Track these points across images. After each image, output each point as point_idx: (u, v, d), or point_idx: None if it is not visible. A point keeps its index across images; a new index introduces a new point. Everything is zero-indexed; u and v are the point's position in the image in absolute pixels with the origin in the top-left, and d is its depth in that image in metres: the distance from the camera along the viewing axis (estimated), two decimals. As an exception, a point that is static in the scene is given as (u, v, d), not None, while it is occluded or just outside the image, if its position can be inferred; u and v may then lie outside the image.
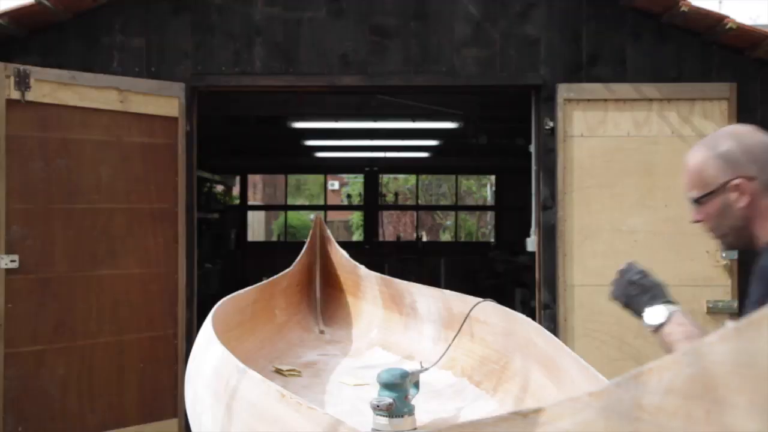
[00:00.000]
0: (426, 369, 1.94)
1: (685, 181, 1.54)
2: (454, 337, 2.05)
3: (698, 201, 1.52)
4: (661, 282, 1.54)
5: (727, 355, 0.38)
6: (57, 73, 3.68)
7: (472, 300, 2.20)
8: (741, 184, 1.45)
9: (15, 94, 3.50)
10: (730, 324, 0.40)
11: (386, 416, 1.68)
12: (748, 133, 1.50)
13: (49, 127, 3.64)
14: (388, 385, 1.71)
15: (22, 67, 3.54)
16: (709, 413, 0.39)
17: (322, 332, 3.05)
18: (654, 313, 1.46)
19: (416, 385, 1.81)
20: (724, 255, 4.00)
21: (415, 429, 1.70)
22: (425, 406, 1.96)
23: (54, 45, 4.06)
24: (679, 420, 0.42)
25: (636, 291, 1.50)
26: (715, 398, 0.39)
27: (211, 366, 1.63)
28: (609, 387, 0.49)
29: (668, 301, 1.48)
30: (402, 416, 1.67)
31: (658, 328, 1.45)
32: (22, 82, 3.51)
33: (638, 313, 1.49)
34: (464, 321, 2.06)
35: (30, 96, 3.54)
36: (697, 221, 1.57)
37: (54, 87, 3.64)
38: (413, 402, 1.73)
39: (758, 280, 1.46)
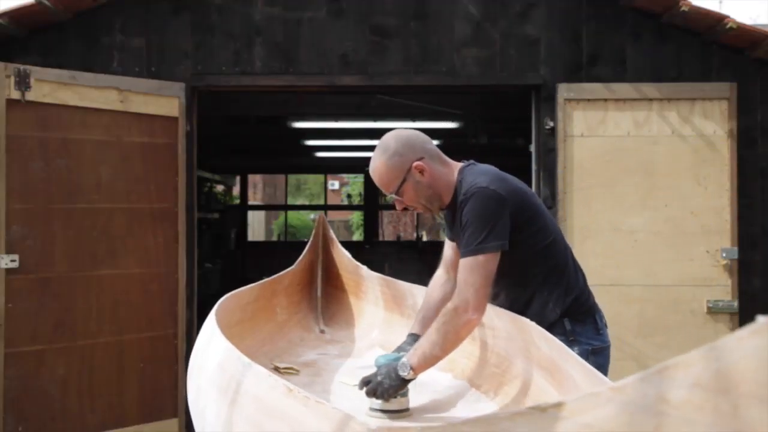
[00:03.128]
0: None
1: (380, 186, 2.02)
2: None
3: (398, 193, 1.99)
4: (380, 364, 1.91)
5: (756, 350, 0.38)
6: (57, 73, 3.68)
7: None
8: (417, 164, 1.97)
9: (15, 94, 3.49)
10: (761, 319, 0.40)
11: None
12: (399, 132, 2.04)
13: (49, 127, 3.63)
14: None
15: (22, 67, 3.54)
16: (737, 408, 0.39)
17: (322, 332, 3.04)
18: (405, 372, 1.82)
19: None
20: (724, 255, 4.01)
21: (407, 409, 1.89)
22: (425, 409, 1.96)
23: (54, 45, 4.06)
24: (706, 414, 0.41)
25: (386, 386, 1.83)
26: (742, 393, 0.39)
27: (215, 361, 1.62)
28: (632, 381, 0.49)
29: (396, 367, 1.85)
30: (395, 397, 1.86)
31: (414, 370, 1.83)
32: (22, 82, 3.51)
33: (401, 383, 1.84)
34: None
35: (30, 96, 3.54)
36: (405, 209, 2.08)
37: (54, 87, 3.63)
38: (410, 386, 1.91)
39: (465, 222, 1.90)
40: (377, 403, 1.86)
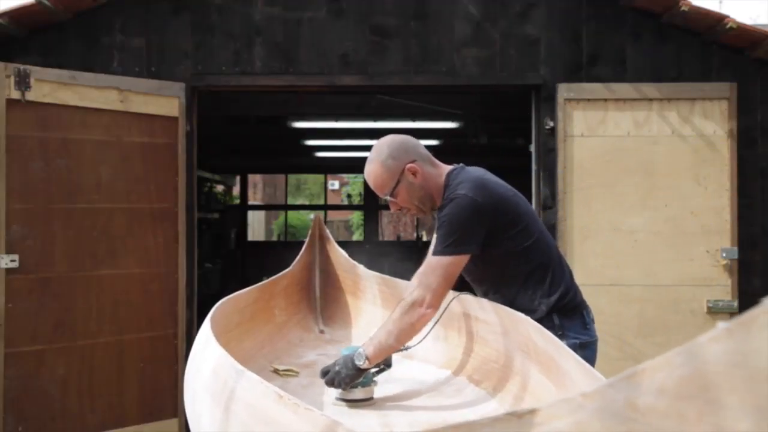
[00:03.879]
0: (405, 349, 2.11)
1: (375, 188, 2.11)
2: (432, 327, 2.12)
3: (392, 195, 2.08)
4: (343, 357, 1.99)
5: (719, 356, 0.38)
6: (57, 73, 3.68)
7: (470, 300, 2.21)
8: (410, 167, 2.07)
9: (15, 94, 3.50)
10: (721, 324, 0.40)
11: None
12: (392, 138, 2.13)
13: (49, 127, 3.64)
14: None
15: (22, 67, 3.54)
16: (702, 413, 0.39)
17: (321, 332, 3.05)
18: (361, 362, 1.93)
19: (387, 363, 2.08)
20: (724, 255, 4.01)
21: (370, 398, 1.98)
22: (424, 405, 1.96)
23: (54, 45, 4.06)
24: (672, 420, 0.42)
25: (343, 375, 1.94)
26: (707, 398, 0.40)
27: (209, 367, 1.63)
28: (602, 387, 0.50)
29: (352, 357, 1.95)
30: (356, 387, 1.97)
31: (369, 360, 1.93)
32: (22, 82, 3.52)
33: (357, 372, 1.94)
34: (442, 313, 2.11)
35: (30, 96, 3.54)
36: (398, 210, 2.15)
37: (54, 87, 3.64)
38: (377, 378, 2.04)
39: (439, 224, 2.00)
40: (343, 393, 1.96)
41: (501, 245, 2.04)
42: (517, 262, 2.09)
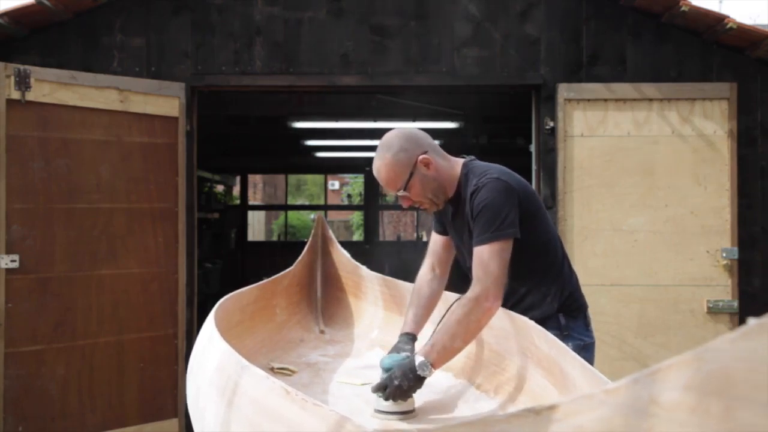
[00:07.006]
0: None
1: (386, 184, 2.01)
2: (435, 328, 2.08)
3: (406, 188, 1.99)
4: (394, 360, 1.91)
5: (748, 352, 0.38)
6: (57, 73, 3.68)
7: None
8: (423, 158, 1.98)
9: (15, 94, 3.49)
10: (752, 320, 0.40)
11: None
12: (399, 130, 2.05)
13: (49, 126, 3.63)
14: (389, 370, 1.88)
15: (22, 67, 3.54)
16: (729, 410, 0.39)
17: (322, 332, 3.04)
18: (426, 371, 1.81)
19: None
20: (724, 255, 4.01)
21: (413, 410, 1.85)
22: (429, 409, 1.96)
23: (54, 45, 4.06)
24: (698, 416, 0.42)
25: (405, 388, 1.81)
26: (734, 395, 0.39)
27: (213, 362, 1.62)
28: (626, 383, 0.49)
29: (411, 367, 1.82)
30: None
31: (433, 366, 1.82)
32: (22, 82, 3.51)
33: (418, 383, 1.82)
34: (444, 315, 2.06)
35: (30, 96, 3.54)
36: (410, 205, 2.05)
37: (54, 87, 3.63)
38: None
39: (477, 212, 1.93)
40: (384, 405, 1.83)
41: (525, 236, 1.95)
42: (538, 254, 2.05)
